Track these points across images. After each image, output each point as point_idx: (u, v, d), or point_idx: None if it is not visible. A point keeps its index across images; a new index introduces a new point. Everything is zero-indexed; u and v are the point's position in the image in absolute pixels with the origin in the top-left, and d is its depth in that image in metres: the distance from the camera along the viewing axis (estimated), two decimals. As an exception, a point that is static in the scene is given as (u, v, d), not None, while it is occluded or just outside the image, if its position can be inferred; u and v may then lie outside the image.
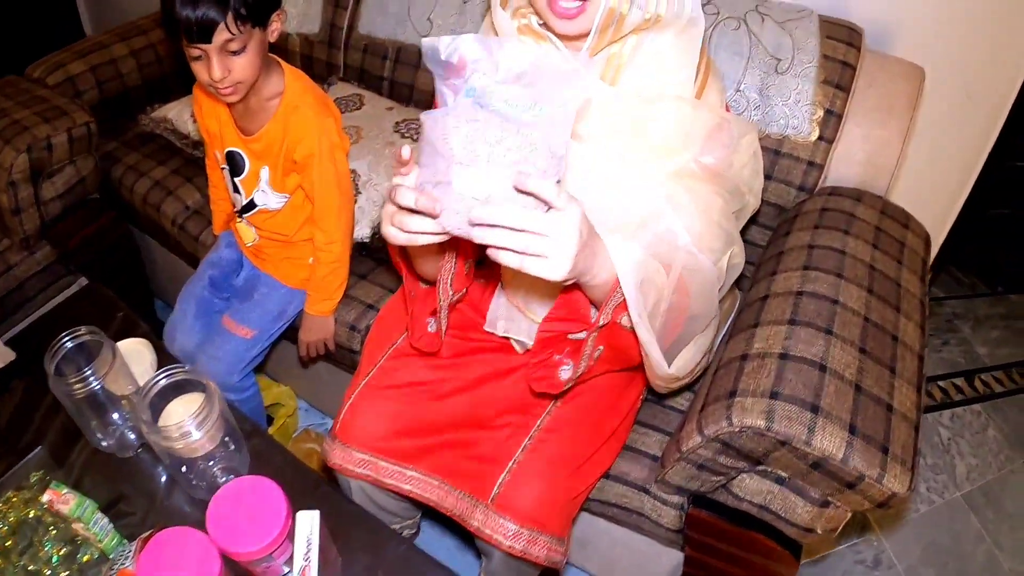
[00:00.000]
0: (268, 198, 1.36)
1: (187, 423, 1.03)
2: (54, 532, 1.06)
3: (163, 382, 1.08)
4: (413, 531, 1.38)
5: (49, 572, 1.02)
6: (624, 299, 0.85)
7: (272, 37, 1.22)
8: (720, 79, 1.03)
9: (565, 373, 0.95)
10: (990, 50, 1.66)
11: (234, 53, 1.15)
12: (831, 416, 0.93)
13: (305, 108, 1.26)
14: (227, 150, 1.35)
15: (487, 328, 1.13)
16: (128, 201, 1.77)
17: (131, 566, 1.01)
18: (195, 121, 1.67)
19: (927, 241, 1.34)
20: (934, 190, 1.89)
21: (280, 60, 1.31)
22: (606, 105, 0.92)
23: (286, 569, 1.03)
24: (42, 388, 1.11)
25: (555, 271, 0.74)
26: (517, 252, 0.73)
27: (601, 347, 0.94)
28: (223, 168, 1.38)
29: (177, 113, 1.77)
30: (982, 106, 1.75)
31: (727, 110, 1.03)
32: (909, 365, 1.06)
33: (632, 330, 0.89)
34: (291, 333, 1.49)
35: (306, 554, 0.95)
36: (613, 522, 1.24)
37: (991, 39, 1.64)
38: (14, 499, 1.09)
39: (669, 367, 0.94)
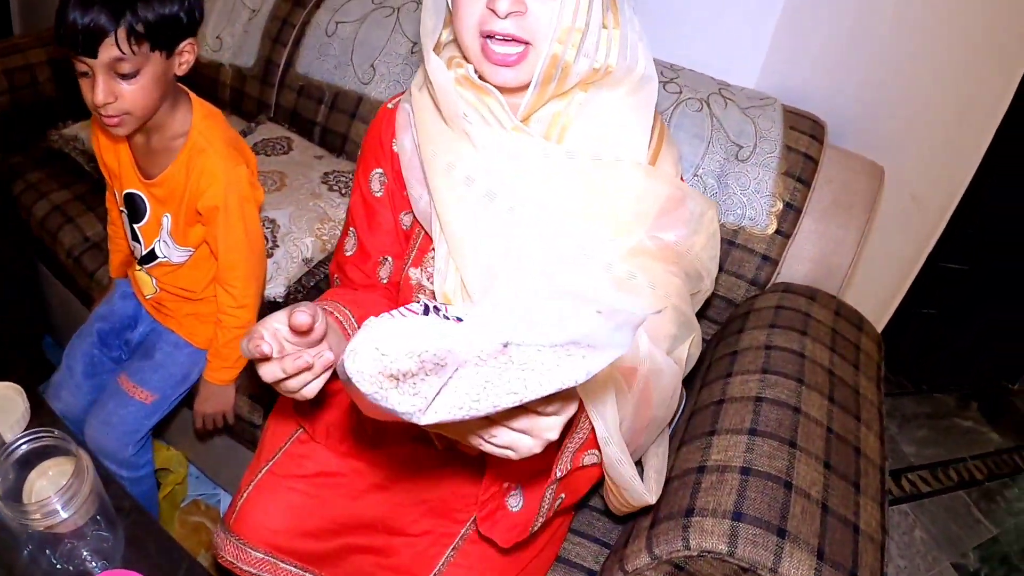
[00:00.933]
0: (170, 251, 1.19)
1: (53, 500, 0.86)
2: None
3: (25, 447, 0.91)
4: None
5: None
6: (584, 439, 0.75)
7: (180, 70, 1.05)
8: (675, 147, 0.93)
9: (514, 502, 0.80)
10: (940, 154, 1.67)
11: (124, 76, 0.98)
12: (799, 541, 0.83)
13: (212, 152, 1.09)
14: (126, 192, 1.16)
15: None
16: (26, 223, 1.56)
17: None
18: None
19: (880, 345, 1.29)
20: (873, 289, 1.88)
21: (191, 94, 1.14)
22: (556, 167, 0.81)
23: None
24: None
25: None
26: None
27: (562, 496, 0.81)
28: (121, 211, 1.20)
29: (90, 133, 1.58)
30: (926, 209, 1.76)
31: (682, 181, 0.94)
32: (872, 481, 0.98)
33: (592, 465, 0.78)
34: (188, 397, 1.31)
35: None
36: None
37: (942, 143, 1.65)
38: None
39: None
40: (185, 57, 1.05)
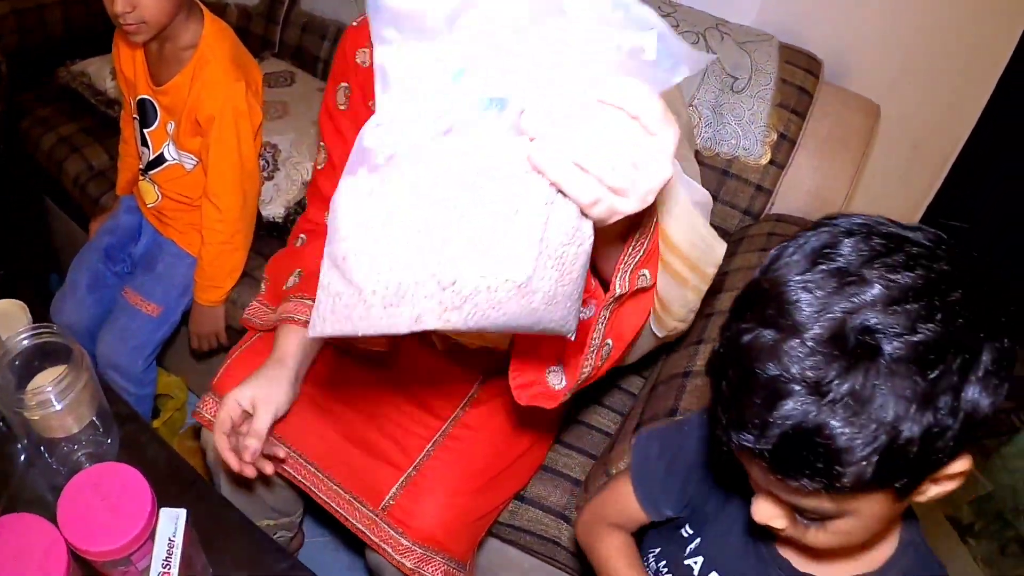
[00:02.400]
0: (179, 155, 1.21)
1: (47, 390, 0.87)
2: None
3: (27, 342, 0.92)
4: (292, 534, 1.19)
5: None
6: (642, 255, 0.65)
7: None
8: None
9: (555, 380, 0.72)
10: (942, 105, 1.65)
11: None
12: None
13: (216, 64, 1.12)
14: (139, 98, 1.19)
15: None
16: (33, 156, 1.58)
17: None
18: (113, 78, 1.50)
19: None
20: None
21: (206, 11, 1.16)
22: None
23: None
24: None
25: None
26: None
27: (609, 343, 0.70)
28: (134, 118, 1.22)
29: (97, 69, 1.59)
30: (927, 159, 1.74)
31: None
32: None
33: (644, 290, 0.69)
34: (187, 315, 1.32)
35: (166, 558, 0.79)
36: (525, 551, 1.09)
37: (944, 94, 1.63)
38: None
39: None
40: None
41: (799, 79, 1.29)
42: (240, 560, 0.85)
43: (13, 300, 1.08)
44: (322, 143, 1.00)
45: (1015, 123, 1.84)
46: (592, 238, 0.49)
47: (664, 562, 0.72)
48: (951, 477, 0.49)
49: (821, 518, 0.51)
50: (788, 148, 1.27)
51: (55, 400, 0.87)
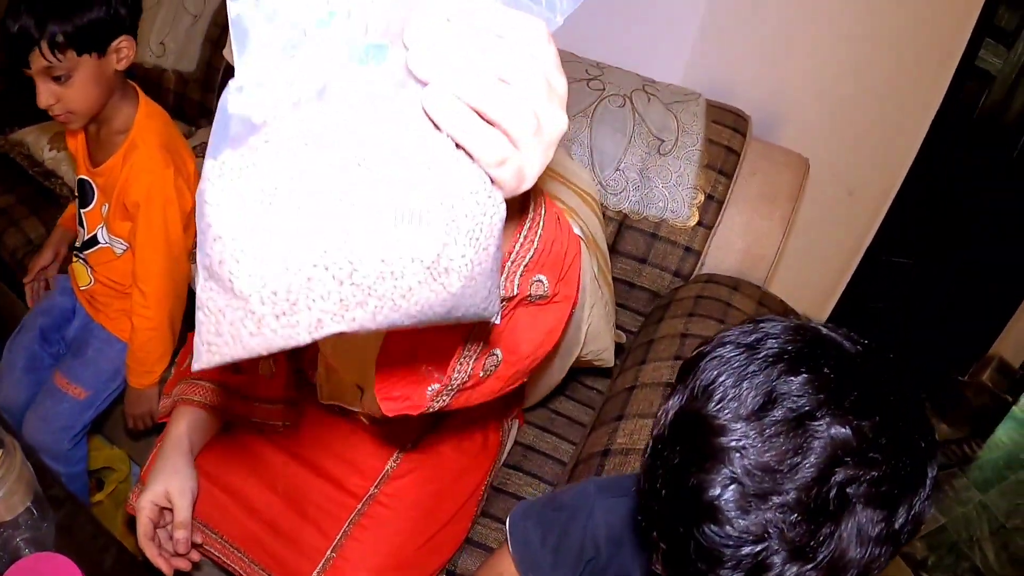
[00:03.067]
0: (108, 239, 1.21)
1: None
2: None
3: None
4: None
5: None
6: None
7: (119, 65, 1.08)
8: None
9: (433, 390, 0.62)
10: (872, 148, 1.68)
11: (58, 79, 1.02)
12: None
13: (145, 150, 1.12)
14: (79, 177, 1.20)
15: (323, 400, 0.98)
16: None
17: None
18: (51, 148, 1.50)
19: (802, 332, 1.29)
20: (811, 283, 1.89)
21: (141, 93, 1.17)
22: None
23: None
24: None
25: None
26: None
27: (498, 352, 0.62)
28: (74, 197, 1.24)
29: (35, 138, 1.58)
30: (863, 202, 1.77)
31: None
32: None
33: (543, 304, 0.62)
34: (123, 394, 1.30)
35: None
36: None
37: (874, 138, 1.66)
38: None
39: None
40: (123, 53, 1.08)
41: (726, 138, 1.30)
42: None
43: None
44: None
45: (950, 163, 1.88)
46: (504, 207, 0.42)
47: None
48: None
49: None
50: (716, 209, 1.29)
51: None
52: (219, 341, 0.38)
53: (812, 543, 0.42)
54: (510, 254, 0.56)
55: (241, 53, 0.36)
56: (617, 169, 1.30)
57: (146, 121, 1.14)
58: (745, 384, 0.45)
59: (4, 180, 1.59)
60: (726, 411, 0.45)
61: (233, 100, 0.36)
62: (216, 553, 0.94)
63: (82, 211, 1.21)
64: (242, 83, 0.36)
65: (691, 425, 0.46)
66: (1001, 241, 2.16)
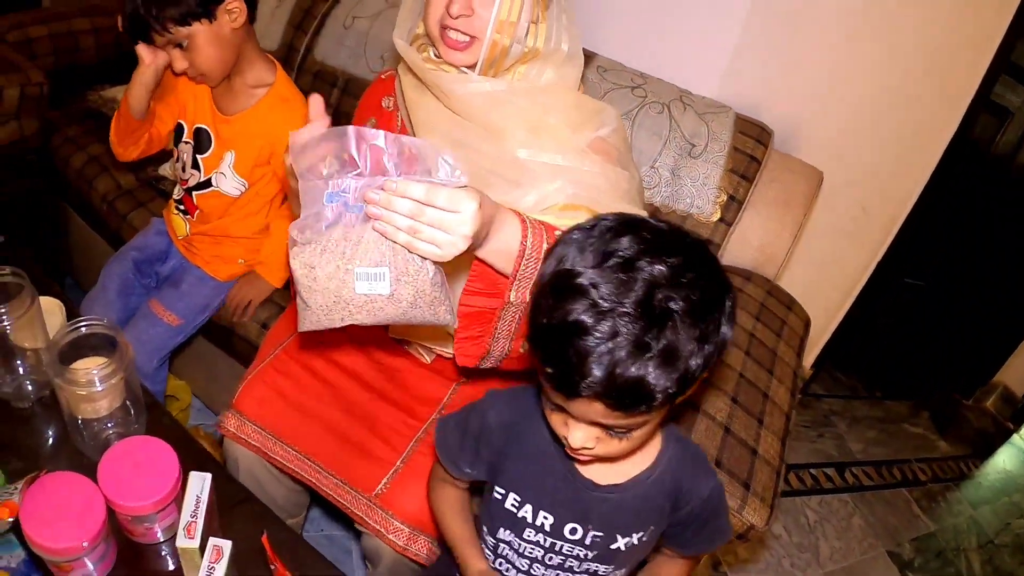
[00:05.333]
0: (226, 182, 1.50)
1: (93, 372, 1.11)
2: None
3: (83, 330, 1.16)
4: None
5: None
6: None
7: (235, 24, 1.36)
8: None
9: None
10: (888, 170, 1.96)
11: (180, 47, 1.32)
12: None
13: (297, 104, 1.44)
14: (196, 127, 1.48)
15: (392, 335, 1.27)
16: (62, 171, 1.87)
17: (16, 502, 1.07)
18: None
19: (807, 324, 1.57)
20: (823, 294, 2.16)
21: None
22: (508, 99, 1.11)
23: (162, 537, 1.12)
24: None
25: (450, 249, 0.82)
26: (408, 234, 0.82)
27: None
28: (187, 143, 1.51)
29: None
30: (876, 221, 2.05)
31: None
32: (776, 420, 1.25)
33: None
34: (203, 329, 1.62)
35: (194, 511, 1.04)
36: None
37: (890, 159, 1.94)
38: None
39: None
40: (235, 14, 1.35)
41: (750, 148, 1.58)
42: (248, 530, 1.10)
43: (52, 299, 1.34)
44: None
45: (963, 187, 2.14)
46: (432, 267, 0.84)
47: (505, 530, 0.97)
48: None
49: (628, 430, 0.76)
50: (736, 208, 1.56)
51: (98, 381, 1.13)
52: (305, 321, 0.88)
53: (647, 338, 0.66)
54: (515, 271, 0.91)
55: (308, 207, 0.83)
56: (652, 167, 1.58)
57: (287, 79, 1.46)
58: (589, 248, 0.71)
59: (96, 133, 1.89)
60: (579, 265, 0.70)
61: (292, 227, 0.84)
62: (291, 467, 1.21)
63: (199, 156, 1.49)
64: (300, 223, 0.83)
65: (557, 277, 0.72)
66: (1011, 270, 2.42)
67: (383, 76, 1.28)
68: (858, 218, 2.02)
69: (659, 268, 0.68)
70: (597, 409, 0.72)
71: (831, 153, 1.82)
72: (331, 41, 1.90)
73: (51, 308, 1.33)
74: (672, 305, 0.67)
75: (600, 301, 0.68)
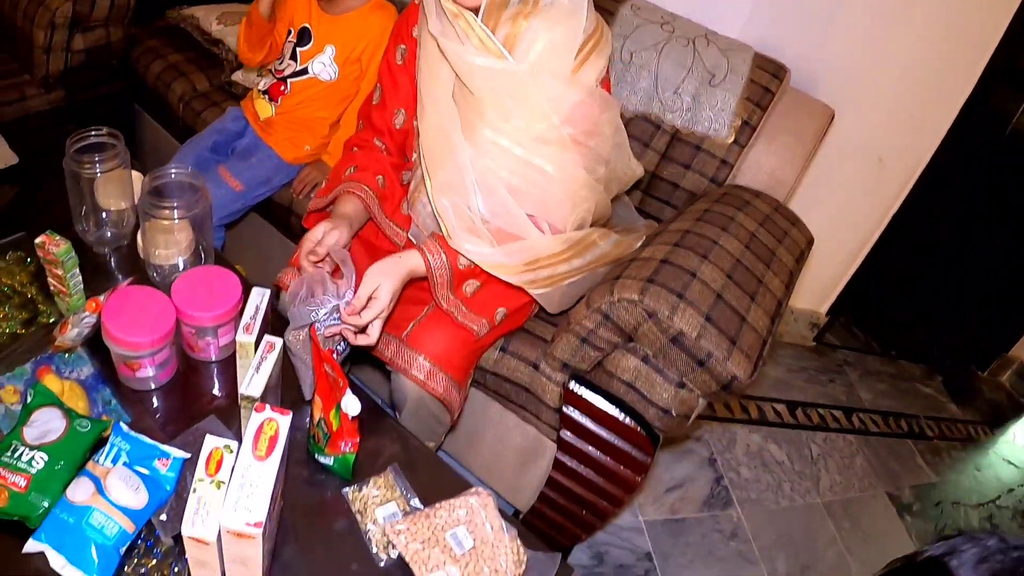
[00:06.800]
0: (324, 69, 1.83)
1: (176, 205, 1.35)
2: (16, 300, 1.38)
3: (172, 175, 1.42)
4: None
5: (8, 327, 1.36)
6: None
7: None
8: (604, 60, 1.42)
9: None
10: (906, 122, 2.15)
11: None
12: (693, 304, 1.32)
13: (390, 10, 1.78)
14: (301, 26, 1.82)
15: (411, 235, 1.53)
16: (141, 76, 2.19)
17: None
18: (218, 23, 2.08)
19: (810, 241, 1.77)
20: (838, 242, 2.36)
21: None
22: (502, 72, 1.35)
23: (215, 357, 1.36)
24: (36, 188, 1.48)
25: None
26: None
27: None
28: (290, 41, 1.85)
29: (204, 14, 2.20)
30: (892, 172, 2.23)
31: (607, 86, 1.48)
32: (768, 301, 1.45)
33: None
34: (259, 208, 1.93)
35: (253, 315, 1.28)
36: (504, 403, 1.59)
37: (909, 112, 2.13)
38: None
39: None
40: None
41: (765, 81, 1.80)
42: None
43: (137, 172, 1.60)
44: (379, 84, 1.55)
45: (980, 143, 2.30)
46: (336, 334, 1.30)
47: None
48: None
49: None
50: (750, 133, 1.78)
51: (177, 215, 1.37)
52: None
53: None
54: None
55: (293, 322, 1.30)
56: (675, 92, 1.81)
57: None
58: (994, 562, 0.62)
59: (176, 44, 2.23)
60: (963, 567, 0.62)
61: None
62: None
63: (299, 49, 1.83)
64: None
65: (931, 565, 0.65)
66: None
67: (416, 1, 1.51)
68: (875, 170, 2.21)
69: None
70: None
71: (848, 101, 2.02)
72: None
73: (137, 176, 1.58)
74: None
75: None
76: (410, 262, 1.34)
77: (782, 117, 1.83)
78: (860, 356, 2.73)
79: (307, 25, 1.81)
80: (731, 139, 1.80)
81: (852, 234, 2.36)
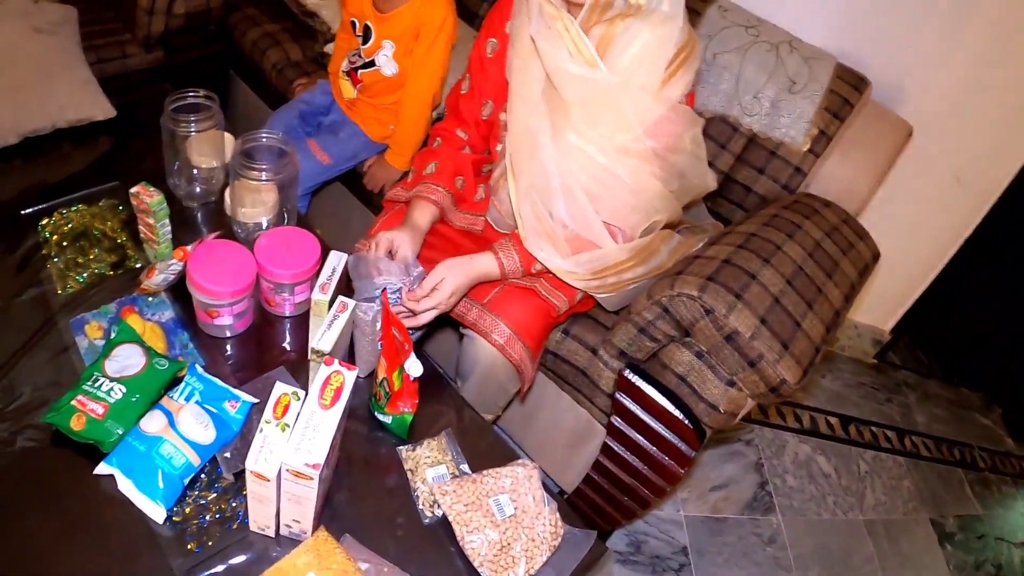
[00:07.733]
0: (386, 65, 1.90)
1: (265, 166, 1.45)
2: (106, 244, 1.50)
3: (263, 139, 1.52)
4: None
5: (97, 268, 1.47)
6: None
7: None
8: (692, 75, 1.44)
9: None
10: (988, 143, 2.12)
11: None
12: (749, 305, 1.36)
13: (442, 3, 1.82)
14: (364, 23, 1.89)
15: (490, 218, 1.61)
16: (238, 42, 2.31)
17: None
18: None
19: (876, 256, 1.78)
20: (908, 261, 2.34)
21: None
22: (593, 82, 1.38)
23: (290, 312, 1.44)
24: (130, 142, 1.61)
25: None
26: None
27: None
28: (358, 36, 1.92)
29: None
30: (968, 193, 2.21)
31: (691, 101, 1.51)
32: (825, 310, 1.48)
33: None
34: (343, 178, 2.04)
35: (329, 276, 1.37)
36: (561, 384, 1.65)
37: (989, 133, 2.10)
38: (83, 209, 1.58)
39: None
40: None
41: (846, 92, 1.82)
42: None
43: (228, 133, 1.70)
44: (468, 74, 1.62)
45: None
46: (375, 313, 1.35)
47: None
48: None
49: None
50: (826, 143, 1.80)
51: (265, 175, 1.46)
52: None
53: None
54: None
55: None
56: (755, 96, 1.83)
57: None
58: None
59: (271, 14, 2.34)
60: None
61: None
62: None
63: (363, 46, 1.91)
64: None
65: None
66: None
67: None
68: (951, 188, 2.19)
69: None
70: None
71: (928, 117, 2.01)
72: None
73: (230, 139, 1.69)
74: None
75: None
76: (482, 265, 1.43)
77: (860, 130, 1.83)
78: (920, 378, 2.70)
79: (368, 23, 1.87)
80: (807, 147, 1.81)
81: (922, 254, 2.34)
